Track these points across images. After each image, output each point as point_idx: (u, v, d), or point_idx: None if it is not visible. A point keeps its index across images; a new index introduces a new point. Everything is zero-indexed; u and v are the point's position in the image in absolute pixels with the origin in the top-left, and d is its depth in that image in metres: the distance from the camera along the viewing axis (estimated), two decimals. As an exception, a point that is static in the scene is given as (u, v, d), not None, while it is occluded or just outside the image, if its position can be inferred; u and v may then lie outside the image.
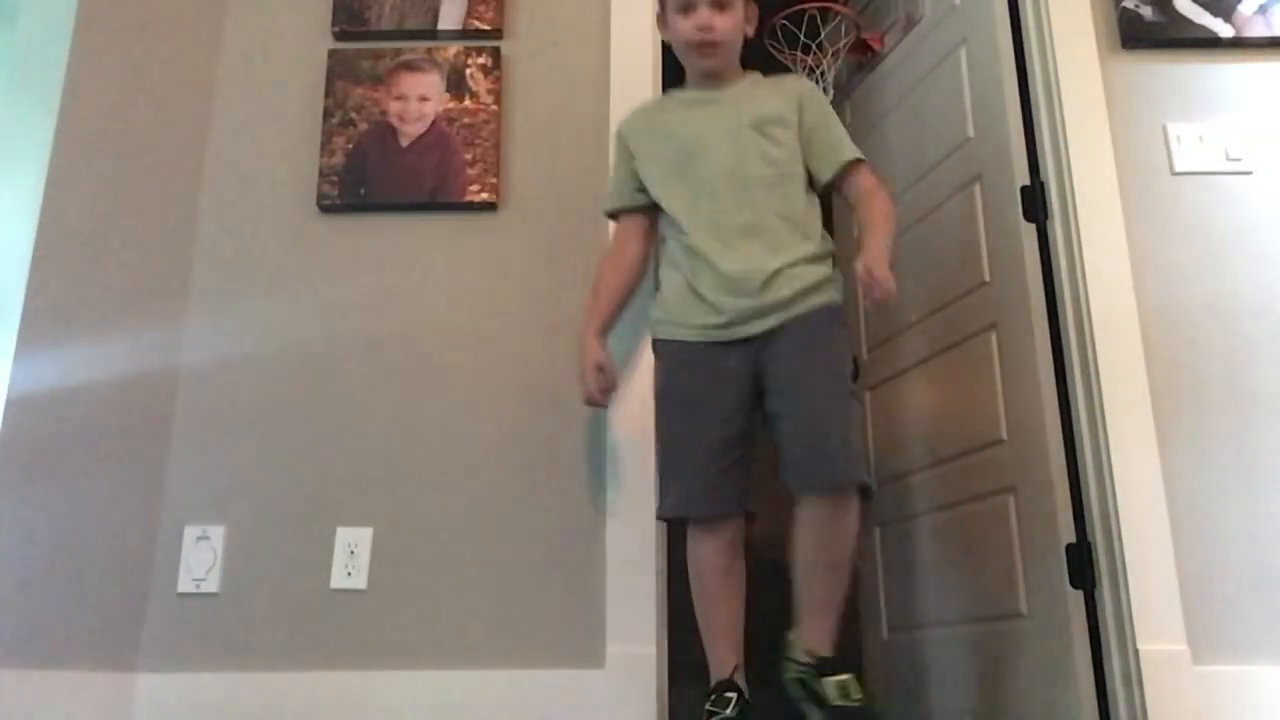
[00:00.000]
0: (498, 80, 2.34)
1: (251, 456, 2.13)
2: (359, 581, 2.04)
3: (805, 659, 1.69)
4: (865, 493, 1.73)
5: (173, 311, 2.20)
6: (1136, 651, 1.83)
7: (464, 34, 2.40)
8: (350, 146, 2.30)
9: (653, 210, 1.95)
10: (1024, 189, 2.18)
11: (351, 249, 2.26)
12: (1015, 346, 2.14)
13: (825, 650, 1.68)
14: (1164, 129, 2.18)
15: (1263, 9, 2.25)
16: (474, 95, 2.34)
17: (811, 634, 1.70)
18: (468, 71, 2.35)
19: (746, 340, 1.77)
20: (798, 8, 2.85)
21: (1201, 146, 2.17)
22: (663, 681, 1.96)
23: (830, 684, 1.64)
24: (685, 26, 1.87)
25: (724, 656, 1.74)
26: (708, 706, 1.68)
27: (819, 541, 1.68)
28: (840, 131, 1.94)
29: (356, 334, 2.20)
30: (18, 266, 1.79)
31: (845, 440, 1.69)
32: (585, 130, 2.33)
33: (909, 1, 2.72)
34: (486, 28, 2.40)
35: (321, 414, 2.15)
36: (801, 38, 2.91)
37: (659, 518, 1.86)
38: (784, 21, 2.89)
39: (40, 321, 1.81)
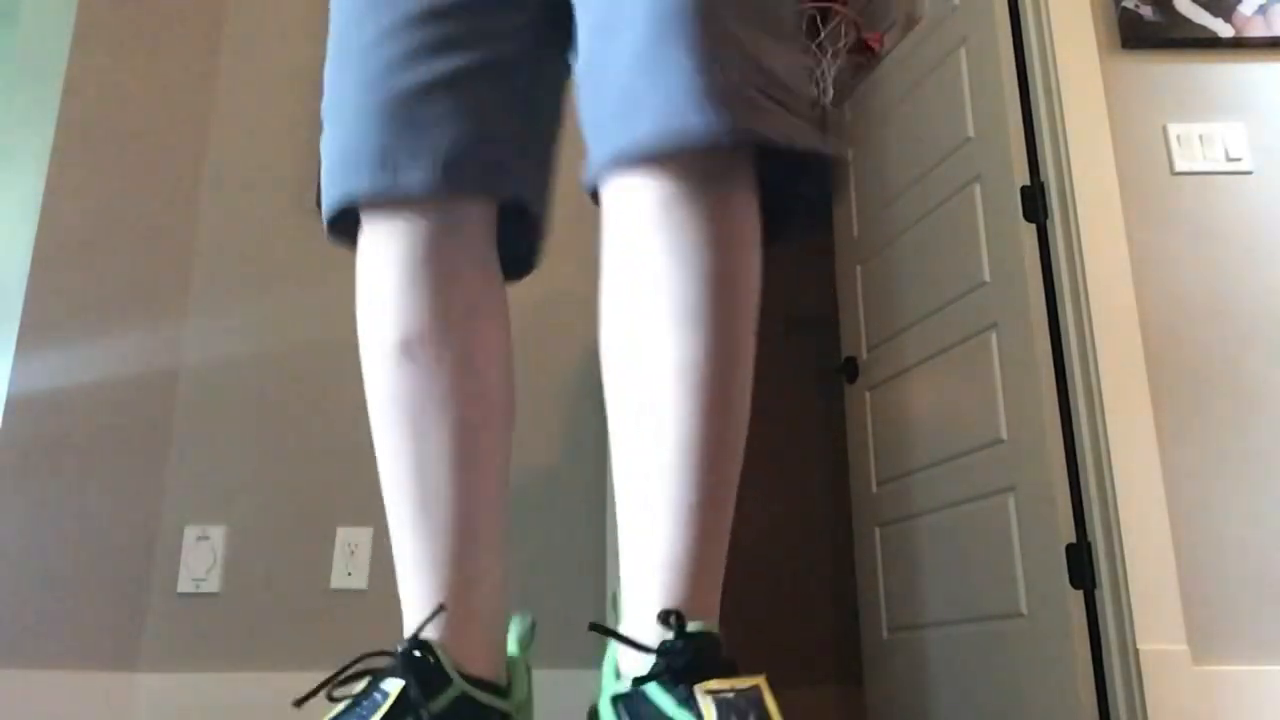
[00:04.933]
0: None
1: (251, 456, 2.13)
2: (359, 581, 2.04)
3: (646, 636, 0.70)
4: (821, 202, 0.82)
5: (173, 311, 2.20)
6: (1136, 651, 1.83)
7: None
8: (350, 146, 2.29)
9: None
10: (1024, 189, 2.18)
11: (351, 249, 2.26)
12: (1015, 346, 2.14)
13: (706, 611, 0.72)
14: (1164, 129, 2.18)
15: (1263, 9, 2.25)
16: (474, 95, 2.33)
17: (662, 578, 0.72)
18: (468, 71, 2.35)
19: None
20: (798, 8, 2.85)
21: (1201, 146, 2.17)
22: (663, 681, 1.96)
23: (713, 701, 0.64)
24: None
25: (418, 586, 0.82)
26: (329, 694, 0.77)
27: (658, 302, 0.74)
28: None
29: (356, 334, 2.20)
30: (18, 266, 1.79)
31: (748, 56, 0.74)
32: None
33: (909, 1, 2.72)
34: (486, 28, 2.39)
35: (322, 414, 2.15)
36: (801, 38, 2.91)
37: (329, 229, 0.93)
38: (784, 21, 2.89)
39: (40, 321, 1.81)
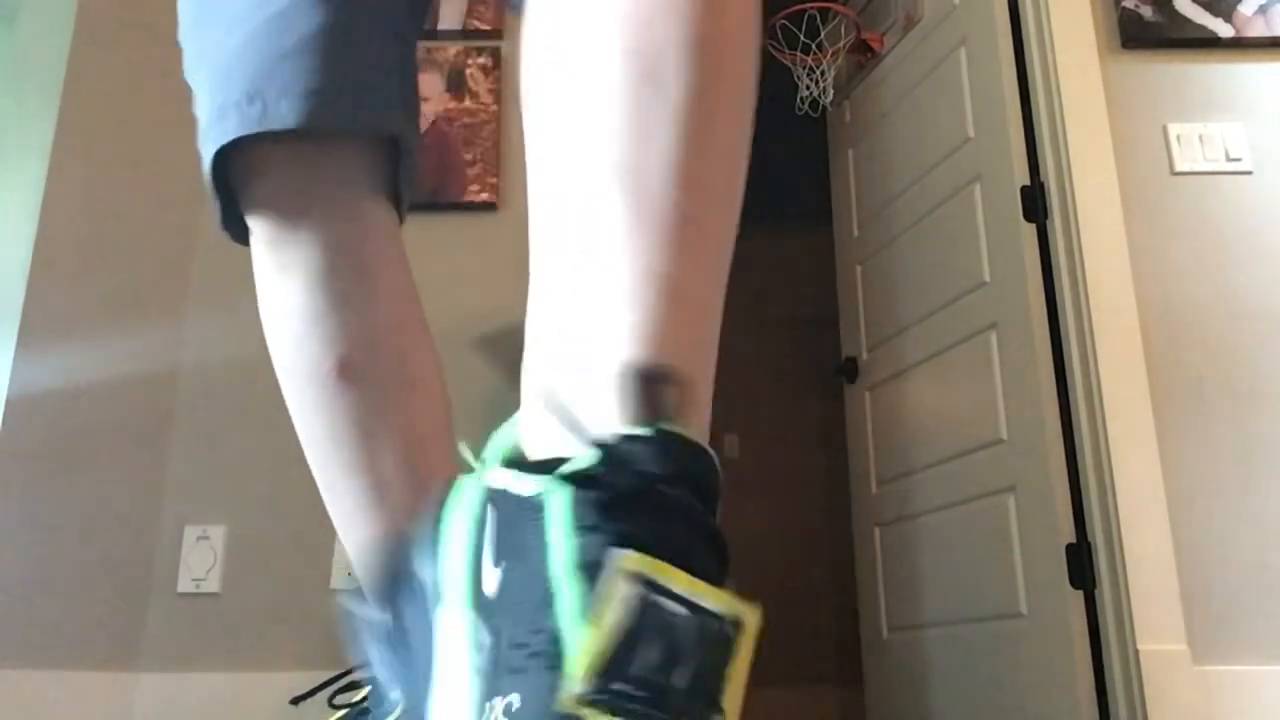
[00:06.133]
0: (498, 80, 2.34)
1: (251, 456, 2.13)
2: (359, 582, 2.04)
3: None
4: None
5: (173, 311, 2.20)
6: (1136, 651, 1.83)
7: (464, 34, 2.40)
8: (350, 146, 2.29)
9: None
10: (1024, 189, 2.18)
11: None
12: (1015, 346, 2.14)
13: (688, 403, 0.41)
14: (1164, 129, 2.18)
15: (1263, 9, 2.25)
16: (474, 95, 2.34)
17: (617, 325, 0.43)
18: (467, 71, 2.35)
19: None
20: (798, 8, 2.85)
21: (1201, 146, 2.17)
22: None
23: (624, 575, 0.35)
24: None
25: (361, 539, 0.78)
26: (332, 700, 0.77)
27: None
28: None
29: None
30: (18, 267, 1.80)
31: None
32: (585, 130, 2.33)
33: (909, 1, 2.72)
34: (486, 28, 2.40)
35: (321, 414, 2.15)
36: (801, 38, 2.91)
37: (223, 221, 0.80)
38: (784, 22, 2.89)
39: (40, 322, 1.81)
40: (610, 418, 0.39)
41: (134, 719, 1.95)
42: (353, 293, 0.77)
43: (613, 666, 0.33)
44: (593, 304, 0.43)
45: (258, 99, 0.72)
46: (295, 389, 0.80)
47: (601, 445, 0.37)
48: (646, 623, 0.34)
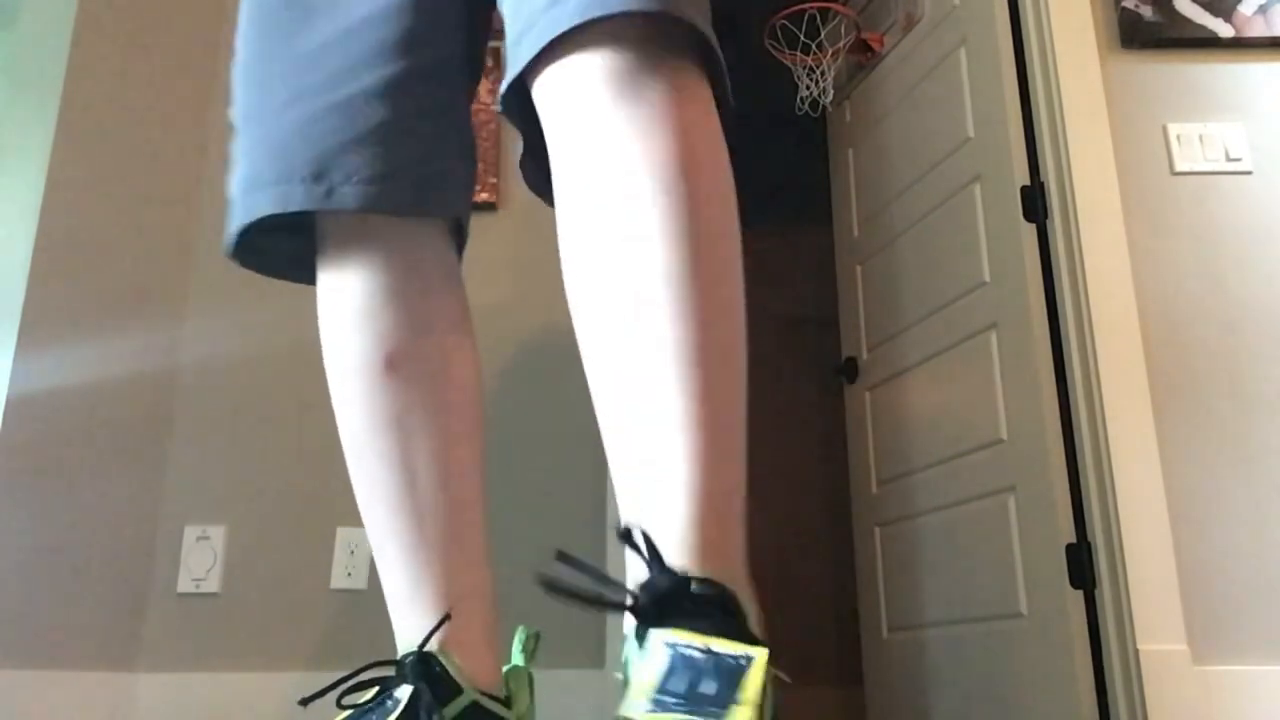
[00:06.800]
0: (497, 80, 2.34)
1: (251, 456, 2.13)
2: (359, 581, 2.04)
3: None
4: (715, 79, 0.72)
5: (173, 311, 2.20)
6: (1136, 651, 1.83)
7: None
8: (350, 146, 2.29)
9: None
10: (1024, 189, 2.18)
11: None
12: (1015, 346, 2.14)
13: (714, 554, 0.61)
14: (1164, 129, 2.18)
15: (1263, 9, 2.25)
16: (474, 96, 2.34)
17: (659, 511, 0.62)
18: (468, 71, 2.36)
19: None
20: (798, 8, 2.85)
21: (1201, 146, 2.17)
22: (663, 681, 1.96)
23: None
24: None
25: (415, 601, 0.81)
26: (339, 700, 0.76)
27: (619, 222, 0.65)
28: None
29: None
30: (18, 267, 1.80)
31: None
32: (585, 130, 2.33)
33: (909, 1, 2.72)
34: (486, 28, 2.40)
35: (322, 414, 2.15)
36: (801, 38, 2.91)
37: (238, 245, 0.90)
38: (784, 22, 2.89)
39: (40, 322, 1.81)
40: (677, 557, 0.59)
41: (134, 719, 1.95)
42: (407, 293, 0.84)
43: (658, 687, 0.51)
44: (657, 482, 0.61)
45: (324, 179, 0.80)
46: (343, 381, 0.85)
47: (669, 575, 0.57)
48: (676, 665, 0.51)
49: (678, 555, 0.58)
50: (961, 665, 2.24)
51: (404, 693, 0.72)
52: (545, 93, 0.69)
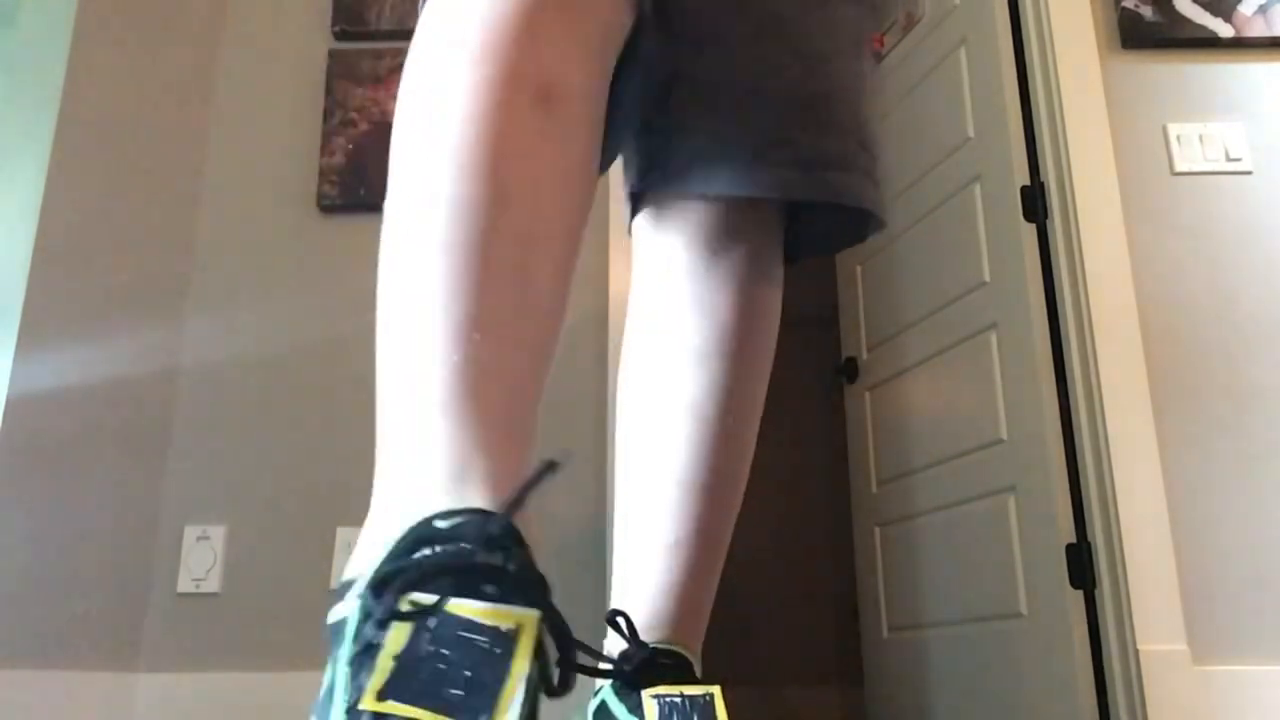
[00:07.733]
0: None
1: (251, 456, 2.13)
2: (359, 581, 2.04)
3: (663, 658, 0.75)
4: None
5: (173, 311, 2.20)
6: (1136, 651, 1.83)
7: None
8: (350, 146, 2.30)
9: None
10: (1024, 189, 2.18)
11: (351, 249, 2.26)
12: (1015, 346, 2.14)
13: (685, 636, 0.78)
14: (1164, 129, 2.18)
15: (1263, 9, 2.25)
16: (474, 95, 2.33)
17: (646, 606, 0.77)
18: (468, 71, 2.35)
19: None
20: (798, 8, 2.85)
21: (1201, 146, 2.17)
22: (663, 681, 1.96)
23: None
24: None
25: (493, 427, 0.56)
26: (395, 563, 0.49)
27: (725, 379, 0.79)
28: None
29: (356, 334, 2.20)
30: (18, 267, 1.79)
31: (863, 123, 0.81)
32: (585, 130, 2.33)
33: (909, 1, 2.72)
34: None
35: (322, 414, 2.15)
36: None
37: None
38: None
39: (40, 321, 1.81)
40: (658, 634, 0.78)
41: (134, 719, 1.95)
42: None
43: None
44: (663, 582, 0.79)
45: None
46: (477, 109, 0.57)
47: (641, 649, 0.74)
48: (665, 711, 0.70)
49: (654, 634, 0.76)
50: (961, 665, 2.24)
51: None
52: (670, 205, 0.83)
